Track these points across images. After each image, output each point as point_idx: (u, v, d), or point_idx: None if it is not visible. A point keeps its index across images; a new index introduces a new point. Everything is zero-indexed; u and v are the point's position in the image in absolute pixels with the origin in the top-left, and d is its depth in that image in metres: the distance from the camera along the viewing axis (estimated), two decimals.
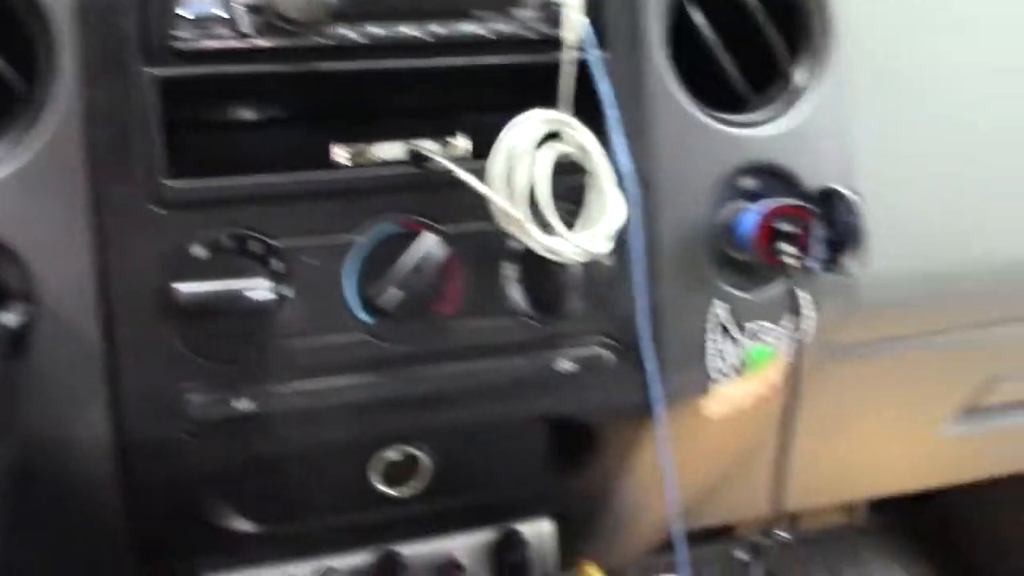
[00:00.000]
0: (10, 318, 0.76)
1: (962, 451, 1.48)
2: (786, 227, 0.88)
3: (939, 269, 1.03)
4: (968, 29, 1.05)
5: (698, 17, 0.93)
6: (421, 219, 0.84)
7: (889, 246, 1.00)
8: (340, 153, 0.82)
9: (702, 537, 1.71)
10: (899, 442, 1.43)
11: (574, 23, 0.82)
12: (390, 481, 0.96)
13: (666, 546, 1.69)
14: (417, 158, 0.83)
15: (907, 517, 2.00)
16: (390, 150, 0.83)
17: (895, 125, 1.00)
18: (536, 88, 0.83)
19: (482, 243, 0.85)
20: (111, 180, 0.78)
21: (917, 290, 1.03)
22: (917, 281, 1.02)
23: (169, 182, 0.78)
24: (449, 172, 0.81)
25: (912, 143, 1.01)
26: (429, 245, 0.82)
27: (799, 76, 0.97)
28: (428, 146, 0.84)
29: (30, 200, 0.77)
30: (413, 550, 1.04)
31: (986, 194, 1.06)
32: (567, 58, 0.83)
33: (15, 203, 0.76)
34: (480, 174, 0.81)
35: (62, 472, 0.83)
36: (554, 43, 0.83)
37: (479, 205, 0.84)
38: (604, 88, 0.83)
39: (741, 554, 1.05)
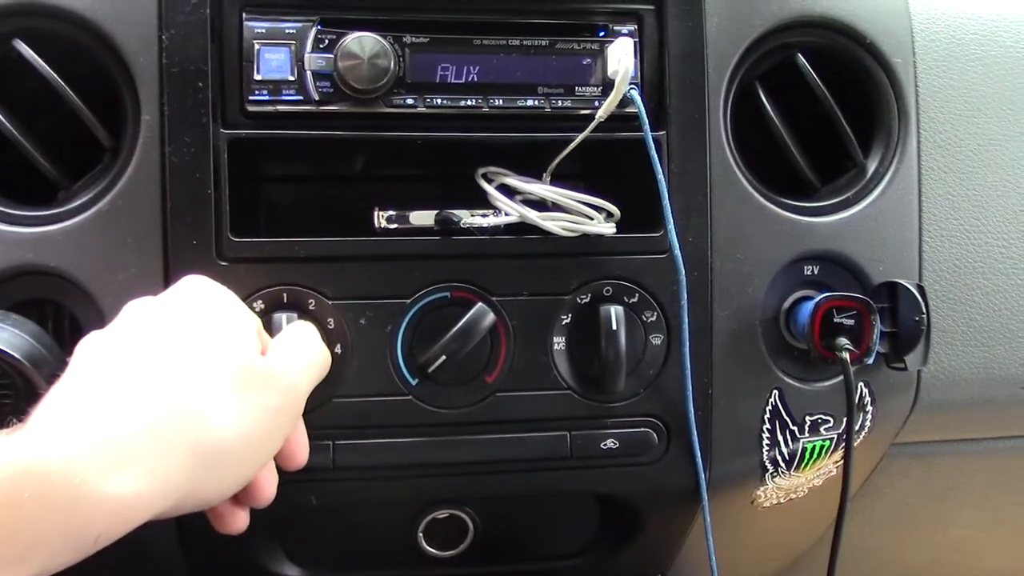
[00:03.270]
0: None
1: None
2: (843, 320, 0.86)
3: (1015, 371, 0.99)
4: None
5: (766, 102, 0.92)
6: (472, 287, 0.85)
7: (959, 344, 0.96)
8: (386, 217, 0.85)
9: None
10: (991, 546, 1.37)
11: (629, 101, 0.84)
12: (436, 541, 0.97)
13: None
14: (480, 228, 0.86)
15: None
16: (436, 217, 0.85)
17: (968, 217, 0.97)
18: (589, 162, 0.84)
19: (531, 314, 0.86)
20: (181, 231, 0.82)
21: (988, 392, 0.98)
22: (987, 382, 0.98)
23: (234, 238, 0.82)
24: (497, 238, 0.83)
25: (985, 236, 0.98)
26: (477, 313, 0.83)
27: (870, 165, 0.95)
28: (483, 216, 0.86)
29: (107, 243, 0.82)
30: None
31: None
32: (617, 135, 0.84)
33: (93, 245, 0.82)
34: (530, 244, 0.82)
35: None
36: (613, 120, 0.85)
37: (530, 276, 0.85)
38: (657, 167, 0.83)
39: None
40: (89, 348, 0.65)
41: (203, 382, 0.63)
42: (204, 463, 0.62)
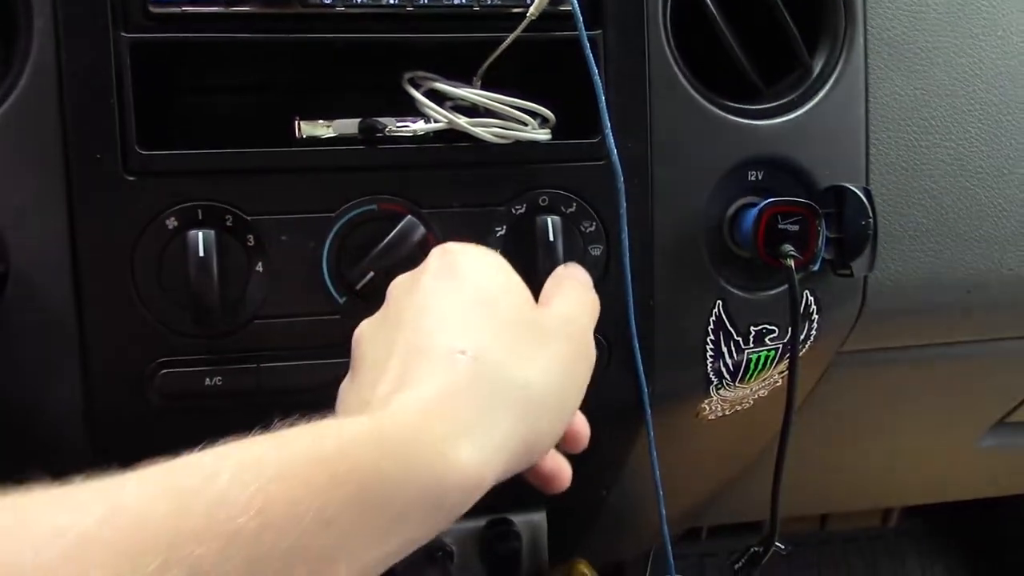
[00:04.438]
0: None
1: (1001, 465, 1.42)
2: (788, 226, 0.83)
3: (962, 276, 0.97)
4: (1002, 9, 0.98)
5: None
6: (400, 199, 0.81)
7: (906, 249, 0.94)
8: (308, 127, 0.80)
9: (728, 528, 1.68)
10: (935, 453, 1.38)
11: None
12: None
13: (685, 536, 1.68)
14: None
15: (945, 520, 1.93)
16: (360, 126, 0.80)
17: (915, 117, 0.94)
18: (523, 66, 0.80)
19: (463, 226, 0.82)
20: (83, 145, 0.76)
21: (936, 298, 0.97)
22: (937, 288, 0.96)
23: (141, 150, 0.77)
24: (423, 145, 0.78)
25: (933, 136, 0.95)
26: (406, 226, 0.79)
27: (816, 64, 0.91)
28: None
29: (2, 162, 0.76)
30: None
31: (1021, 192, 0.99)
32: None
33: None
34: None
35: (34, 440, 0.83)
36: (546, 19, 0.80)
37: (460, 186, 0.81)
38: (593, 68, 0.79)
39: (735, 561, 1.01)
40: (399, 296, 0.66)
41: (507, 339, 0.62)
42: (525, 420, 0.59)
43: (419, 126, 0.81)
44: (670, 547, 0.95)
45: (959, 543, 1.94)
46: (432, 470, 0.52)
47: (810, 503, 1.53)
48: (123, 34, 0.76)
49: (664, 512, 0.91)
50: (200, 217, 0.78)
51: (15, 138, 0.76)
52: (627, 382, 0.88)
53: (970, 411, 1.28)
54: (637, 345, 0.86)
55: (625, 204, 0.82)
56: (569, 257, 0.82)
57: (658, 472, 0.89)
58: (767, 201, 0.84)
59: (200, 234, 0.76)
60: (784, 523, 0.97)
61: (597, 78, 0.79)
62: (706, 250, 0.89)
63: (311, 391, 0.82)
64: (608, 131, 0.81)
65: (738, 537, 1.71)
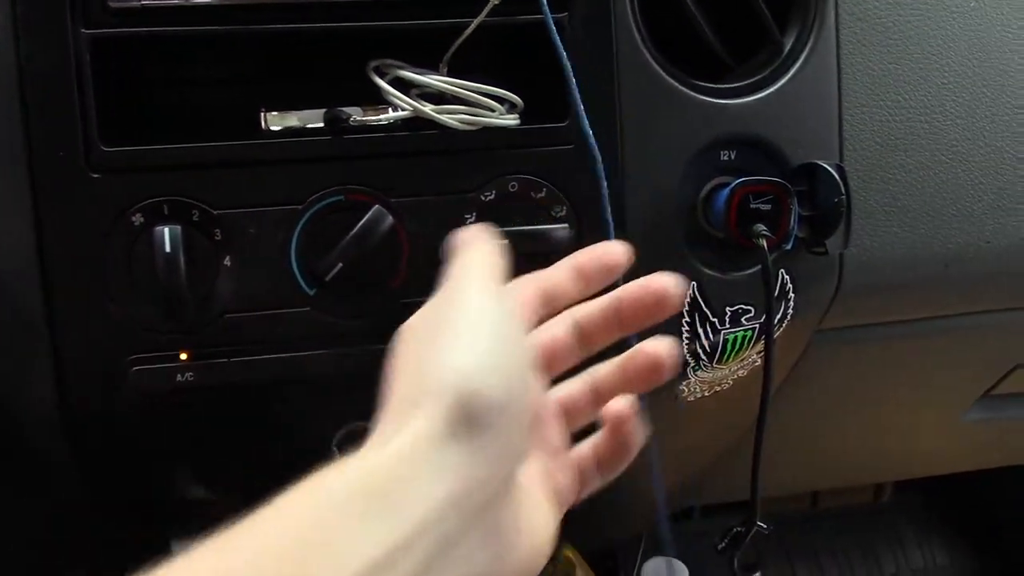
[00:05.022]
0: None
1: (988, 437, 1.42)
2: (760, 205, 0.83)
3: (940, 250, 0.96)
4: None
5: None
6: (368, 189, 0.80)
7: (882, 225, 0.94)
8: (274, 119, 0.79)
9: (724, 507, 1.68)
10: (921, 427, 1.37)
11: None
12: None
13: (677, 516, 1.68)
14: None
15: (936, 496, 1.93)
16: (325, 116, 0.80)
17: (889, 92, 0.93)
18: (489, 51, 0.79)
19: (433, 214, 0.81)
20: (46, 143, 0.76)
21: (913, 273, 0.96)
22: (914, 263, 0.96)
23: (104, 146, 0.76)
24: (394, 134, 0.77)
25: (907, 111, 0.94)
26: (374, 216, 0.78)
27: (787, 41, 0.90)
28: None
29: None
30: None
31: (997, 165, 0.98)
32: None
33: None
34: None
35: (10, 440, 0.82)
36: (511, 3, 0.79)
37: (429, 175, 0.81)
38: (561, 53, 0.78)
39: (718, 541, 1.00)
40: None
41: None
42: None
43: (385, 115, 0.80)
44: (667, 526, 0.95)
45: (955, 515, 1.95)
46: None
47: (798, 481, 1.52)
48: (83, 30, 0.75)
49: (662, 493, 0.91)
50: (166, 212, 0.77)
51: None
52: None
53: (955, 385, 1.27)
54: None
55: (606, 186, 0.82)
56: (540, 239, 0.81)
57: (656, 452, 0.89)
58: (738, 181, 0.83)
59: (167, 230, 0.76)
60: (775, 502, 0.97)
61: (566, 61, 0.79)
62: (679, 231, 0.88)
63: (283, 383, 0.82)
64: (582, 114, 0.80)
65: (730, 516, 1.71)
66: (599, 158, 0.81)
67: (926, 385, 1.26)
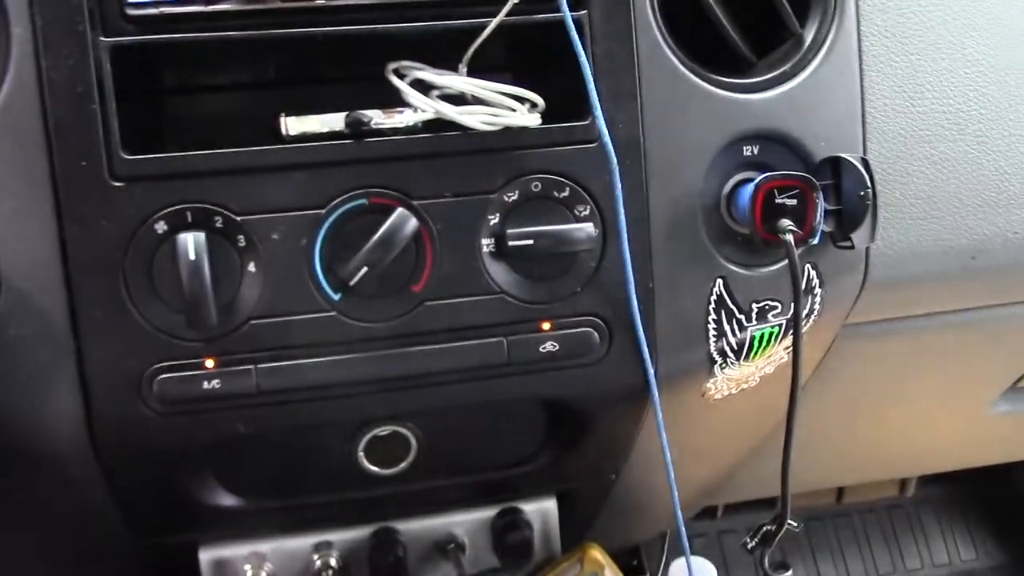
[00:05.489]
0: None
1: (1014, 430, 1.41)
2: (785, 200, 0.82)
3: (966, 242, 0.95)
4: None
5: None
6: (391, 192, 0.80)
7: (907, 217, 0.93)
8: (294, 124, 0.79)
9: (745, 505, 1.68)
10: (948, 420, 1.36)
11: None
12: (378, 459, 0.93)
13: (701, 514, 1.67)
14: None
15: (960, 490, 1.92)
16: (346, 120, 0.79)
17: (911, 83, 0.92)
18: (509, 50, 0.78)
19: (456, 216, 0.81)
20: (68, 152, 0.76)
21: (939, 265, 0.95)
22: (941, 255, 0.95)
23: (126, 155, 0.76)
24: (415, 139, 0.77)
25: (929, 102, 0.93)
26: (397, 219, 0.78)
27: (807, 34, 0.89)
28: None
29: None
30: (411, 526, 1.02)
31: (1022, 155, 0.97)
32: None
33: None
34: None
35: (39, 450, 0.82)
36: (529, 2, 0.78)
37: (451, 176, 0.80)
38: (579, 50, 0.77)
39: (747, 539, 1.00)
40: None
41: None
42: None
43: (406, 117, 0.80)
44: (683, 527, 0.94)
45: (979, 508, 1.93)
46: None
47: (826, 477, 1.52)
48: (102, 38, 0.75)
49: (676, 493, 0.91)
50: (189, 219, 0.77)
51: (0, 148, 0.75)
52: (629, 366, 0.87)
53: (981, 377, 1.26)
54: (641, 328, 0.85)
55: (619, 185, 0.81)
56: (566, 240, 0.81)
57: (669, 456, 0.88)
58: (763, 176, 0.82)
59: (190, 237, 0.75)
60: (801, 498, 0.96)
61: (584, 60, 0.78)
62: (704, 228, 0.87)
63: (310, 390, 0.82)
64: (598, 112, 0.79)
65: (754, 514, 1.71)
66: (614, 159, 0.80)
67: (953, 378, 1.25)
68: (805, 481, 1.40)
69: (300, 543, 1.00)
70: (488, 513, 1.03)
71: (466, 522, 1.03)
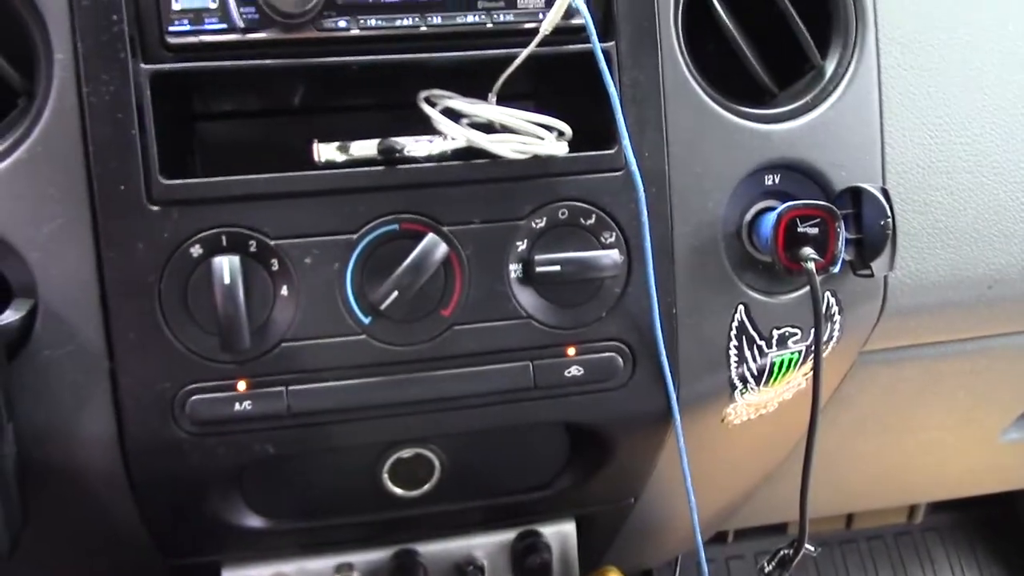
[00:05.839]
0: (11, 316, 0.77)
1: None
2: (807, 229, 0.84)
3: (983, 272, 0.97)
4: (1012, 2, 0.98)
5: (718, 5, 0.88)
6: (421, 217, 0.81)
7: (925, 246, 0.94)
8: (326, 150, 0.80)
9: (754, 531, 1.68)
10: (960, 447, 1.37)
11: (575, 11, 0.79)
12: (402, 481, 0.94)
13: (711, 540, 1.67)
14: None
15: (968, 517, 1.92)
16: (378, 147, 0.81)
17: (930, 115, 0.94)
18: (537, 80, 0.80)
19: (485, 242, 0.83)
20: (107, 176, 0.77)
21: (956, 294, 0.97)
22: (957, 284, 0.96)
23: (164, 179, 0.77)
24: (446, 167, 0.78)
25: (948, 133, 0.95)
26: (428, 244, 0.79)
27: (828, 66, 0.91)
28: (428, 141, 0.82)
29: (28, 194, 0.77)
30: (432, 548, 1.02)
31: None
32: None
33: (13, 196, 0.77)
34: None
35: (72, 468, 0.83)
36: (559, 33, 0.80)
37: (481, 202, 0.82)
38: (608, 80, 0.79)
39: (764, 564, 1.01)
40: None
41: None
42: None
43: (437, 144, 0.81)
44: (703, 551, 0.95)
45: (986, 535, 1.93)
46: None
47: (836, 502, 1.52)
48: (142, 65, 0.77)
49: (696, 517, 0.91)
50: (224, 243, 0.79)
51: (40, 171, 0.77)
52: (652, 391, 0.88)
53: (993, 405, 1.27)
54: (664, 353, 0.86)
55: (646, 213, 0.83)
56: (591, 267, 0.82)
57: (690, 480, 0.89)
58: (785, 205, 0.84)
59: (225, 260, 0.77)
60: (810, 523, 0.97)
61: (613, 90, 0.80)
62: (726, 256, 0.89)
63: (340, 412, 0.83)
64: (626, 141, 0.81)
65: (764, 539, 1.72)
66: (641, 188, 0.82)
67: (966, 406, 1.26)
68: (817, 507, 1.40)
69: (322, 564, 1.00)
70: (508, 536, 1.04)
71: (486, 544, 1.04)
